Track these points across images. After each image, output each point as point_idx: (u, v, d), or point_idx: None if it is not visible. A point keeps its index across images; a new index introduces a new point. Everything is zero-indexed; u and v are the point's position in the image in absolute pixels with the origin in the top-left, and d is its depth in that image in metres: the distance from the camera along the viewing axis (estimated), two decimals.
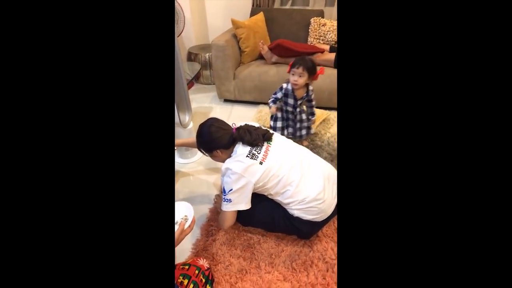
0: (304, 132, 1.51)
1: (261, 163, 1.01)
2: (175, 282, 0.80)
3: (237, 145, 1.05)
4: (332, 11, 2.41)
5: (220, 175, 1.53)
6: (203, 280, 0.87)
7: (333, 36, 2.20)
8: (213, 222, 1.27)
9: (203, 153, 1.13)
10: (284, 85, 1.38)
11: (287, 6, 2.59)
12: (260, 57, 2.27)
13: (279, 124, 1.49)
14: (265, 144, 1.06)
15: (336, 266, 1.08)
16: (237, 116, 2.14)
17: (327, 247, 1.15)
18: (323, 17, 2.30)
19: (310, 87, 1.41)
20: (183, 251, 1.15)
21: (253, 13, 2.41)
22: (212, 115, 1.14)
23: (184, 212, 0.93)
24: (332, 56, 2.07)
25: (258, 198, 1.08)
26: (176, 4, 2.33)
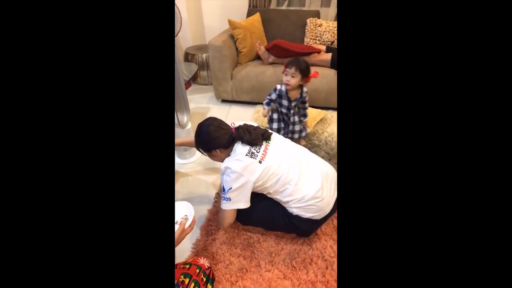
0: (296, 136, 1.51)
1: (260, 162, 1.01)
2: (177, 281, 0.81)
3: (236, 144, 1.05)
4: (328, 12, 2.43)
5: (219, 175, 1.55)
6: (204, 279, 0.88)
7: (329, 36, 2.22)
8: (212, 222, 1.28)
9: (201, 152, 1.13)
10: (278, 86, 1.38)
11: (284, 7, 2.60)
12: (257, 57, 2.27)
13: (275, 125, 1.50)
14: (264, 143, 1.07)
15: (335, 264, 1.09)
16: (234, 116, 2.14)
17: (326, 245, 1.16)
18: (319, 17, 2.32)
19: (304, 89, 1.41)
20: (183, 251, 1.15)
21: (249, 13, 2.42)
22: (209, 115, 1.14)
23: (184, 211, 0.94)
24: (328, 56, 2.09)
25: (257, 197, 1.09)
26: None
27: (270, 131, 1.13)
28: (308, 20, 2.28)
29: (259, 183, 1.02)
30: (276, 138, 1.14)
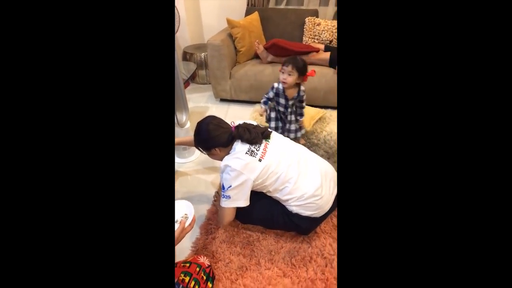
0: (292, 135, 1.50)
1: (260, 160, 1.02)
2: (177, 280, 0.81)
3: (235, 143, 1.06)
4: (326, 11, 2.43)
5: (218, 174, 1.55)
6: (204, 278, 0.88)
7: (327, 35, 2.23)
8: (212, 221, 1.28)
9: (200, 151, 1.13)
10: (275, 85, 1.38)
11: (282, 6, 2.60)
12: (256, 56, 2.27)
13: (272, 124, 1.49)
14: (264, 141, 1.07)
15: (334, 261, 1.09)
16: (233, 115, 2.14)
17: (325, 243, 1.17)
18: (317, 16, 2.33)
19: (302, 88, 1.40)
20: (183, 250, 1.15)
21: (248, 12, 2.41)
22: (208, 114, 1.14)
23: (184, 210, 0.94)
24: (327, 55, 2.09)
25: (256, 195, 1.09)
26: None
27: (269, 129, 1.13)
28: (306, 19, 2.28)
29: (258, 181, 1.02)
30: (276, 136, 1.14)
